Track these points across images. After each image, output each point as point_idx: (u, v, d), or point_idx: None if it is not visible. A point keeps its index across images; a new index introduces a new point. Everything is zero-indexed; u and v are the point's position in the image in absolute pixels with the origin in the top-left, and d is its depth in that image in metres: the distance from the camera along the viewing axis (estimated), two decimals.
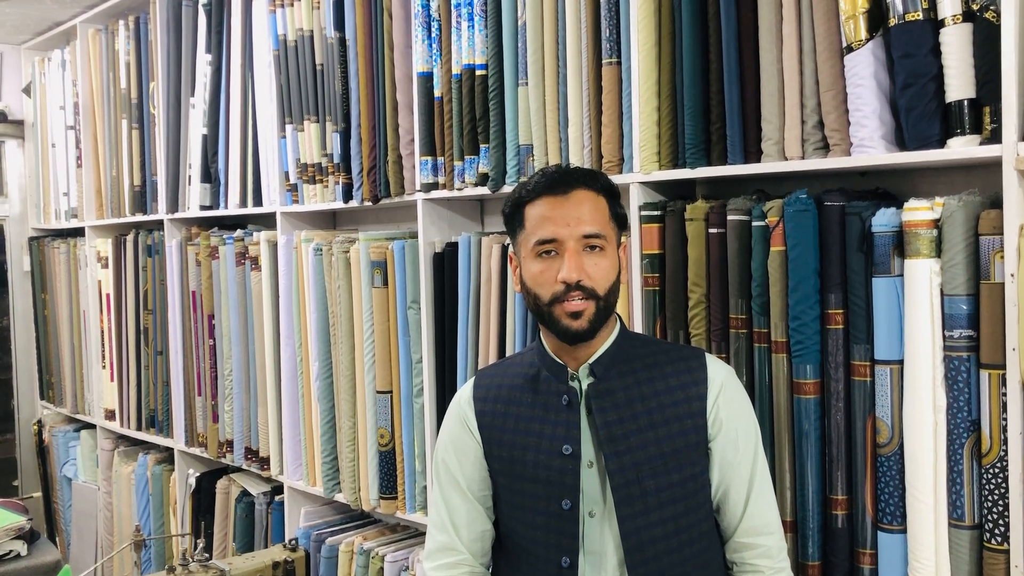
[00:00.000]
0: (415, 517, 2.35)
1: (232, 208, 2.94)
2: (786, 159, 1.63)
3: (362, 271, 2.39)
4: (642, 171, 1.81)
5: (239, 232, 2.89)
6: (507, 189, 2.08)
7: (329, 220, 2.91)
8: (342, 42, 2.45)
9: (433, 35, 2.21)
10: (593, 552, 1.44)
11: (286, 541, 2.65)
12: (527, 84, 2.01)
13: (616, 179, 1.77)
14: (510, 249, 1.52)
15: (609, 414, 1.44)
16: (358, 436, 2.46)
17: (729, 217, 1.68)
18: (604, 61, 1.87)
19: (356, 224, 2.86)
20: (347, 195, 2.48)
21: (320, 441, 2.58)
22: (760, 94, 1.65)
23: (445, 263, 2.24)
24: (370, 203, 2.42)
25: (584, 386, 1.47)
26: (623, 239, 1.50)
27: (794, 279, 1.58)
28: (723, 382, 1.47)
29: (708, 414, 1.45)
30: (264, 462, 2.83)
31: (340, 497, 2.57)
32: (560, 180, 1.44)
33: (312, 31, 2.55)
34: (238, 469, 3.03)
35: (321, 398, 2.57)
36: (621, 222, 1.48)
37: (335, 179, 2.52)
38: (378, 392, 2.38)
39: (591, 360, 1.47)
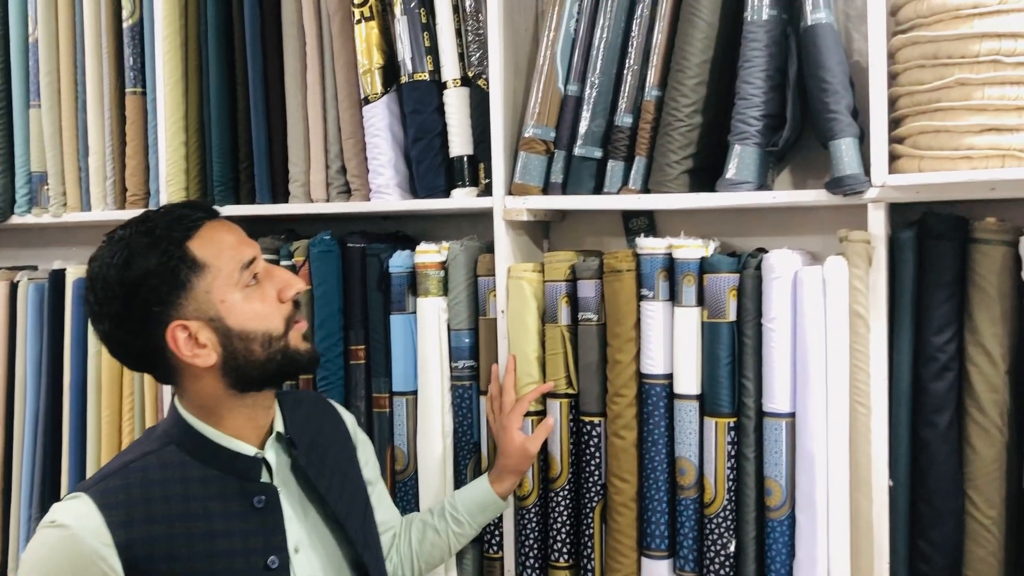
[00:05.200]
0: None
1: None
2: (312, 201, 1.69)
3: None
4: None
5: None
6: (16, 219, 1.88)
7: None
8: None
9: None
10: None
11: None
12: (40, 106, 1.84)
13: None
14: (171, 324, 1.15)
15: (330, 480, 1.29)
16: None
17: None
18: (128, 90, 1.78)
19: None
20: None
21: None
22: (287, 137, 1.69)
23: None
24: None
25: (284, 461, 1.27)
26: None
27: (319, 317, 1.64)
28: (345, 414, 1.45)
29: (357, 449, 1.42)
30: None
31: None
32: (206, 206, 1.25)
33: None
34: None
35: None
36: None
37: None
38: None
39: (279, 428, 1.27)
